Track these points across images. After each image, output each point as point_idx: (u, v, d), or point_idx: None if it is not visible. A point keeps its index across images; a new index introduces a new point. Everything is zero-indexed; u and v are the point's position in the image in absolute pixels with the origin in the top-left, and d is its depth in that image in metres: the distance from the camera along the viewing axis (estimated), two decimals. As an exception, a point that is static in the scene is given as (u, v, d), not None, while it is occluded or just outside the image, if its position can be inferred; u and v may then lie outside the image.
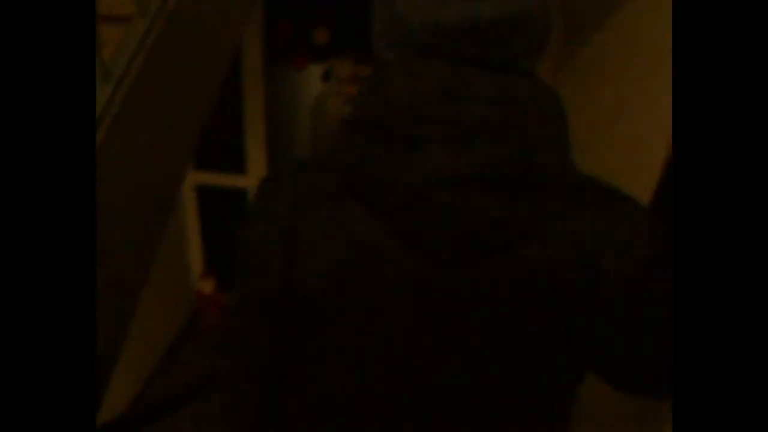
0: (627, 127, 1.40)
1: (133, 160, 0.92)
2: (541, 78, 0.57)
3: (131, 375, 2.38)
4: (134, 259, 0.99)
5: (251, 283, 0.68)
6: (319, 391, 0.66)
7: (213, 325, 2.92)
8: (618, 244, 0.54)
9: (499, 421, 0.61)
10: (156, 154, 0.99)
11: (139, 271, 1.02)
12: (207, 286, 2.88)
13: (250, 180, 2.70)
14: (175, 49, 0.98)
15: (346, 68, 2.34)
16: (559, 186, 0.54)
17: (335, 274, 0.60)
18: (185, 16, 0.98)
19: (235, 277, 0.70)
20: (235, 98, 2.54)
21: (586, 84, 1.82)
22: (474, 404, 0.61)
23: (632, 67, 1.40)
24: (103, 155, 0.84)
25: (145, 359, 2.53)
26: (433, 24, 0.53)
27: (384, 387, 0.62)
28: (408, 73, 0.54)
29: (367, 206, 0.57)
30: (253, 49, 2.40)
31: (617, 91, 1.51)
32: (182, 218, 2.84)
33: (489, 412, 0.61)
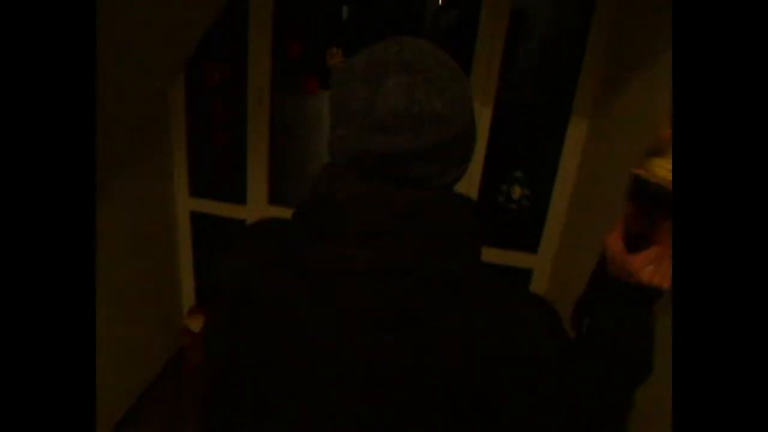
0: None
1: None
2: (453, 192, 0.69)
3: (102, 413, 2.13)
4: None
5: (205, 343, 0.81)
6: None
7: (198, 366, 2.66)
8: (506, 340, 0.62)
9: None
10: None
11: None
12: (195, 323, 2.63)
13: (250, 211, 2.46)
14: None
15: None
16: (452, 283, 0.63)
17: (267, 339, 0.70)
18: None
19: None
20: (238, 123, 2.32)
21: (625, 132, 1.62)
22: None
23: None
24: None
25: (120, 397, 2.28)
26: (363, 151, 0.63)
27: None
28: (337, 182, 0.66)
29: (304, 280, 0.67)
30: (259, 70, 2.18)
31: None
32: (175, 246, 2.61)
33: None
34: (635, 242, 0.75)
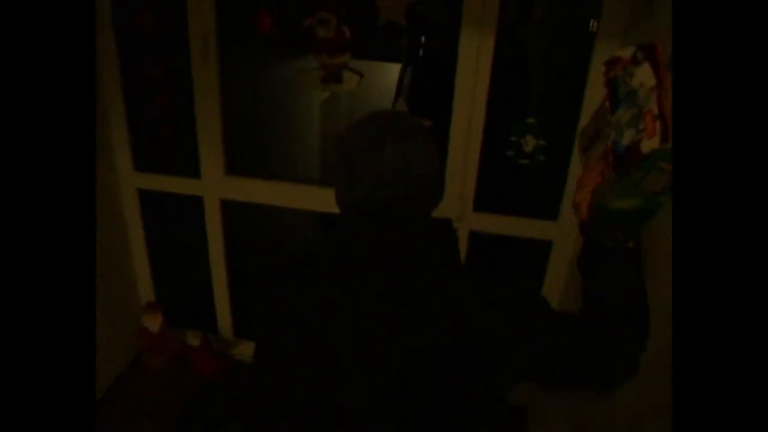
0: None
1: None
2: (434, 218, 0.93)
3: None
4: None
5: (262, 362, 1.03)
6: None
7: (159, 370, 2.27)
8: (495, 321, 0.85)
9: None
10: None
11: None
12: (153, 322, 2.22)
13: (206, 186, 2.04)
14: None
15: (328, 29, 1.66)
16: (441, 284, 0.88)
17: (311, 344, 0.93)
18: None
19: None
20: (183, 80, 1.89)
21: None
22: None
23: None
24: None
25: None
26: (374, 198, 0.87)
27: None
28: (350, 227, 0.92)
29: (341, 298, 0.91)
30: (201, 11, 1.75)
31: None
32: (124, 231, 2.20)
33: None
34: None
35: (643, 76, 0.80)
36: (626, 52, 0.85)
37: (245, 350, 2.35)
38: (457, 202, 1.81)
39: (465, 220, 1.84)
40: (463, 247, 1.89)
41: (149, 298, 2.34)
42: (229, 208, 2.10)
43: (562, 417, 1.73)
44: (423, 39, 2.30)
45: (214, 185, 2.03)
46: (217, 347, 2.32)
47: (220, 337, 2.37)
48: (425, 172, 0.87)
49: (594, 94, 1.60)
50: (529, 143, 1.66)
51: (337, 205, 0.94)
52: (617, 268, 0.92)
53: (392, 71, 2.51)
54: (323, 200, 1.89)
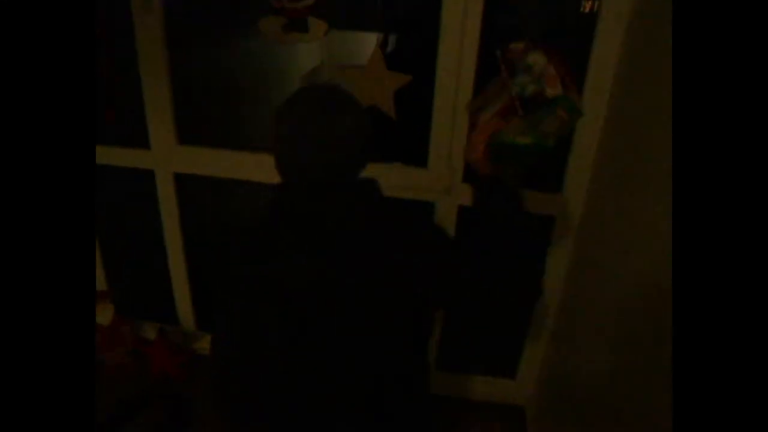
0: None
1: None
2: (358, 179, 1.00)
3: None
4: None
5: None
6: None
7: (113, 368, 2.02)
8: (412, 248, 0.95)
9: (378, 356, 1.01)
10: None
11: None
12: (103, 315, 1.97)
13: (157, 157, 1.78)
14: None
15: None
16: (364, 227, 0.97)
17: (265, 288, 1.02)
18: None
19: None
20: (124, 40, 1.62)
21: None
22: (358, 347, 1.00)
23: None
24: None
25: None
26: (315, 163, 0.93)
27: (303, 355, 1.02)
28: (287, 193, 1.00)
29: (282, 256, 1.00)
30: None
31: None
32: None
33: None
34: None
35: (536, 56, 1.13)
36: (518, 45, 1.16)
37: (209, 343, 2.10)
38: (443, 172, 1.56)
39: (453, 192, 1.59)
40: (451, 224, 1.64)
41: (99, 287, 2.08)
42: (185, 183, 1.84)
43: (560, 416, 1.51)
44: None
45: (166, 157, 1.76)
46: (178, 340, 2.08)
47: (181, 329, 2.12)
48: (362, 140, 0.96)
49: (602, 53, 1.36)
50: (529, 87, 1.40)
51: (278, 170, 0.99)
52: (506, 204, 1.09)
53: (371, 41, 2.26)
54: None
